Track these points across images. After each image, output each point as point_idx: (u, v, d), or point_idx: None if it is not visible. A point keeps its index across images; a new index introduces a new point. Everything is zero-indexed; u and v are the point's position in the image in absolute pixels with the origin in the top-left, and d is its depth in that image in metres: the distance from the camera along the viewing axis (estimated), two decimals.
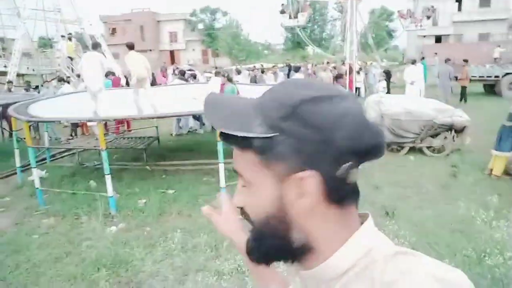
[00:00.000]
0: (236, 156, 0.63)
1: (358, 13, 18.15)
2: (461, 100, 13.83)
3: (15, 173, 6.96)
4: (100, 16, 46.91)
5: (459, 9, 34.92)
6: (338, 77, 7.39)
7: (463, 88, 14.20)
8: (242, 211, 0.66)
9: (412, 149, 7.68)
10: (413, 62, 13.04)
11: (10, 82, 14.05)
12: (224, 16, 48.17)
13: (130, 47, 6.85)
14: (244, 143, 0.59)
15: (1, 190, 6.61)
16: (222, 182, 5.31)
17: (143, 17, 46.63)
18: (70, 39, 19.01)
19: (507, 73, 14.98)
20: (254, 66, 23.94)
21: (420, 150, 7.63)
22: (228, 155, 5.26)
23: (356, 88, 16.66)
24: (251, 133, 0.57)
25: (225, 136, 0.61)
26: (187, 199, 5.70)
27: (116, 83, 13.03)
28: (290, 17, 20.64)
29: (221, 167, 5.27)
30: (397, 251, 0.59)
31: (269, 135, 0.57)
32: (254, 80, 15.36)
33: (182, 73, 13.32)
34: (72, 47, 18.73)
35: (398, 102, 7.71)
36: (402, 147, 7.74)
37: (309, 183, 0.58)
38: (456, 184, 5.94)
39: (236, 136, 0.58)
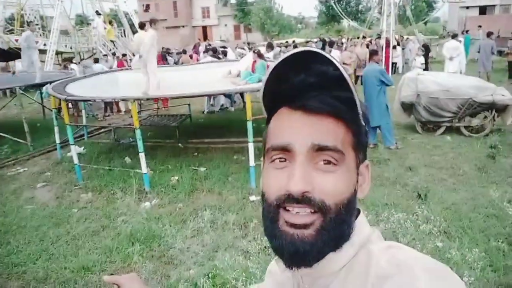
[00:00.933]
0: (332, 129, 0.59)
1: None
2: (510, 77, 12.98)
3: (55, 149, 7.31)
4: None
5: None
6: (373, 53, 7.13)
7: (511, 64, 13.30)
8: (303, 198, 0.56)
9: (449, 129, 7.39)
10: (454, 36, 12.38)
11: (67, 59, 14.39)
12: None
13: (140, 26, 7.02)
14: (354, 119, 0.60)
15: (42, 165, 6.99)
16: (252, 161, 5.34)
17: None
18: (98, 14, 19.18)
19: None
20: (287, 42, 23.54)
21: (458, 130, 7.33)
22: (257, 134, 5.28)
23: (393, 63, 16.10)
24: (361, 111, 0.60)
25: (338, 98, 0.58)
26: (218, 177, 5.80)
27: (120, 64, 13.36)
28: None
29: (251, 146, 5.30)
30: (388, 245, 0.61)
31: (364, 124, 0.62)
32: None
33: (214, 51, 13.29)
34: (112, 32, 18.95)
35: (435, 79, 7.37)
36: (439, 127, 7.47)
37: (369, 170, 0.68)
38: (494, 166, 5.70)
39: (351, 106, 0.59)
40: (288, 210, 0.58)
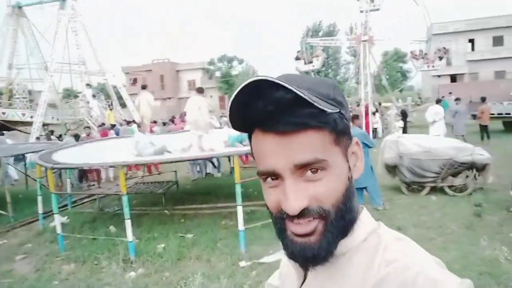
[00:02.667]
0: (306, 143, 0.60)
1: (371, 55, 18.52)
2: (482, 138, 13.57)
3: (37, 220, 7.09)
4: (122, 67, 49.13)
5: (472, 48, 35.31)
6: (354, 118, 7.43)
7: (483, 127, 13.95)
8: (301, 213, 0.59)
9: (434, 189, 7.52)
10: (438, 101, 12.95)
11: (51, 131, 14.49)
12: (240, 63, 49.83)
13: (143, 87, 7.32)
14: (325, 119, 0.61)
15: (23, 236, 6.72)
16: (241, 225, 5.27)
17: (163, 67, 48.61)
18: (88, 85, 19.80)
19: None
20: None
21: (442, 190, 7.46)
22: (245, 198, 5.29)
23: (373, 129, 16.72)
24: (329, 108, 0.60)
25: (300, 114, 0.59)
26: (206, 243, 5.66)
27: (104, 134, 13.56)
28: (305, 63, 21.20)
29: (240, 209, 5.26)
30: (398, 236, 0.65)
31: (337, 110, 0.63)
32: None
33: None
34: (112, 116, 19.39)
35: (416, 141, 7.66)
36: (423, 187, 7.60)
37: (359, 147, 0.69)
38: (481, 224, 5.75)
39: (315, 113, 0.59)
40: (292, 220, 0.61)
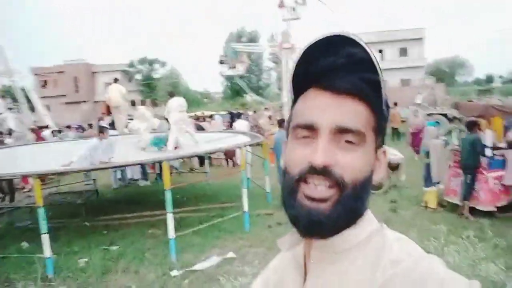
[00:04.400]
0: (355, 111, 0.61)
1: (292, 62, 19.26)
2: (393, 139, 14.92)
3: None
4: (31, 68, 44.97)
5: (382, 58, 38.50)
6: (281, 122, 7.67)
7: (395, 129, 15.41)
8: (324, 170, 0.59)
9: None
10: None
11: None
12: (162, 66, 48.52)
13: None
14: (378, 103, 0.63)
15: None
16: (171, 233, 5.11)
17: (77, 69, 45.51)
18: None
19: (430, 114, 16.53)
20: (195, 114, 24.11)
21: None
22: (173, 205, 5.15)
23: None
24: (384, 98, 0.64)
25: (362, 78, 0.61)
26: (133, 254, 5.39)
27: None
28: (229, 67, 21.36)
29: (170, 217, 5.10)
30: (399, 236, 0.65)
31: (386, 110, 0.66)
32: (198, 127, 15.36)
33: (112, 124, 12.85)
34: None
35: None
36: None
37: (386, 156, 0.70)
38: (397, 218, 6.27)
39: (375, 84, 0.61)
40: (308, 183, 0.60)
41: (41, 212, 4.78)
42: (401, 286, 0.56)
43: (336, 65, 0.61)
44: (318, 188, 0.60)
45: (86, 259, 5.27)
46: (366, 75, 0.61)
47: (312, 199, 0.60)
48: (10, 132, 13.14)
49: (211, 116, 17.69)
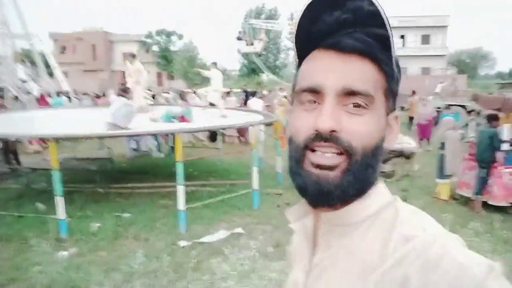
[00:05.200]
0: (362, 71, 0.57)
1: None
2: (410, 128, 14.70)
3: None
4: (49, 33, 45.21)
5: (403, 45, 37.64)
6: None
7: (411, 118, 15.12)
8: (330, 136, 0.56)
9: None
10: None
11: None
12: (179, 39, 48.24)
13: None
14: (388, 62, 0.59)
15: None
16: (181, 205, 5.21)
17: (96, 36, 45.61)
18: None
19: (450, 105, 16.21)
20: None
21: None
22: (185, 178, 5.22)
23: None
24: (394, 60, 0.60)
25: (370, 34, 0.57)
26: (144, 222, 5.52)
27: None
28: (246, 44, 21.15)
29: (181, 189, 5.19)
30: (415, 210, 0.62)
31: (396, 69, 0.62)
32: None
33: (124, 90, 12.98)
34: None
35: None
36: None
37: (398, 122, 0.66)
38: None
39: (383, 41, 0.57)
40: (314, 151, 0.57)
41: (56, 175, 4.90)
42: (413, 266, 0.52)
43: (341, 21, 0.57)
44: (325, 155, 0.57)
45: (98, 224, 5.41)
46: (373, 30, 0.57)
47: (320, 167, 0.57)
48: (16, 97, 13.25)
49: (228, 93, 17.60)
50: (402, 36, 37.42)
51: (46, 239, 4.78)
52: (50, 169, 5.06)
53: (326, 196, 0.57)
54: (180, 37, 47.91)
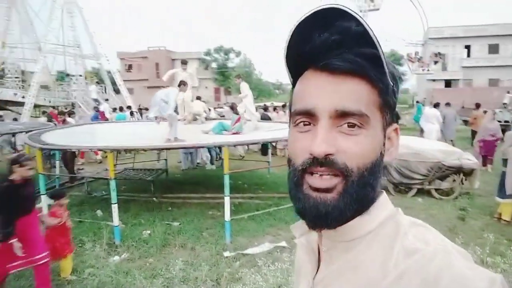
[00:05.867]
0: (355, 91, 0.57)
1: None
2: (472, 144, 13.73)
3: None
4: (117, 53, 48.63)
5: (468, 55, 35.57)
6: None
7: (475, 132, 14.08)
8: (326, 160, 0.56)
9: (421, 191, 7.61)
10: (436, 105, 12.87)
11: (62, 112, 14.00)
12: (237, 56, 49.55)
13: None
14: (381, 78, 0.58)
15: None
16: (227, 216, 5.30)
17: (159, 55, 48.22)
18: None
19: None
20: (265, 104, 24.41)
21: (429, 192, 7.56)
22: (234, 190, 5.31)
23: None
24: (387, 70, 0.58)
25: (361, 55, 0.56)
26: (192, 231, 5.68)
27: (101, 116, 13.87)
28: None
29: (227, 200, 5.28)
30: (415, 221, 0.62)
31: (392, 83, 0.61)
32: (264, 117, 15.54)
33: None
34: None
35: (404, 143, 7.71)
36: (410, 188, 7.68)
37: (398, 134, 0.66)
38: (464, 228, 5.84)
39: (374, 60, 0.56)
40: (312, 174, 0.58)
41: (112, 184, 5.22)
42: (414, 281, 0.52)
43: (330, 41, 0.56)
44: (322, 178, 0.57)
45: (149, 231, 5.66)
46: (363, 50, 0.56)
47: (318, 190, 0.57)
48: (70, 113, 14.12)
49: (284, 106, 17.66)
50: (467, 46, 35.41)
51: (100, 244, 5.08)
52: (107, 178, 5.40)
53: (324, 218, 0.57)
54: (238, 54, 49.21)
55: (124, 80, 24.99)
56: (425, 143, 8.25)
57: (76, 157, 10.74)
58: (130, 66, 48.53)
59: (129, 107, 16.23)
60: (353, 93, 0.57)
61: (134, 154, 11.12)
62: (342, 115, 0.56)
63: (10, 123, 12.70)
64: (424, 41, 20.46)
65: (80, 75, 21.86)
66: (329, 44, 0.56)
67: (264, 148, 11.76)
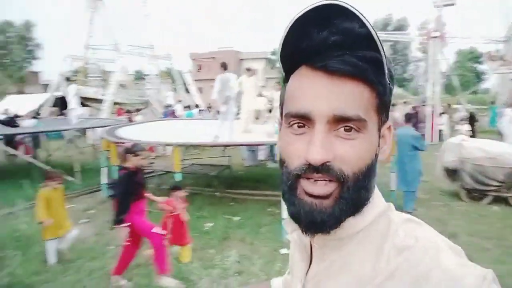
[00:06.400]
0: (353, 94, 0.54)
1: (442, 53, 17.46)
2: None
3: (100, 189, 7.69)
4: (190, 54, 50.89)
5: None
6: (408, 117, 7.04)
7: None
8: (322, 167, 0.54)
9: (497, 199, 7.03)
10: None
11: (128, 111, 15.32)
12: None
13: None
14: (380, 80, 0.56)
15: (88, 203, 7.36)
16: (284, 213, 5.33)
17: (227, 55, 49.47)
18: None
19: None
20: None
21: (506, 200, 6.95)
22: None
23: (439, 131, 15.86)
24: (387, 70, 0.56)
25: (361, 58, 0.53)
26: (251, 227, 5.81)
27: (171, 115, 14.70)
28: None
29: None
30: (408, 218, 0.61)
31: (389, 81, 0.58)
32: None
33: None
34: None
35: (481, 146, 7.16)
36: (485, 195, 7.12)
37: (390, 132, 0.64)
38: None
39: (375, 63, 0.54)
40: (306, 178, 0.56)
41: (177, 177, 5.51)
42: (405, 278, 0.52)
43: (331, 42, 0.53)
44: (318, 183, 0.55)
45: (211, 224, 5.89)
46: (365, 54, 0.53)
47: (313, 196, 0.56)
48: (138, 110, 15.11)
49: None
50: None
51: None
52: (173, 172, 5.72)
53: (320, 225, 0.56)
54: None
55: (195, 80, 26.10)
56: (503, 147, 7.58)
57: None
58: (200, 67, 50.47)
59: (197, 106, 16.91)
60: (351, 96, 0.54)
61: (201, 150, 11.58)
62: (339, 119, 0.54)
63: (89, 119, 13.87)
64: (507, 37, 18.66)
65: (156, 75, 23.16)
66: (328, 44, 0.54)
67: None
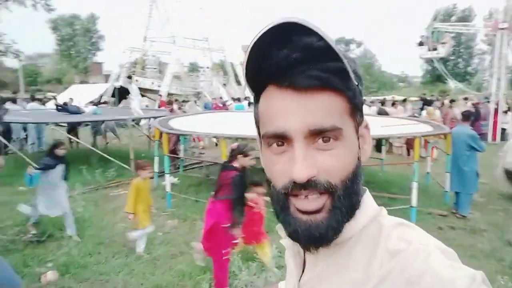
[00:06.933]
0: (325, 106, 0.55)
1: (510, 47, 16.17)
2: None
3: (152, 177, 8.03)
4: (242, 46, 51.28)
5: None
6: (465, 115, 6.55)
7: None
8: (308, 183, 0.54)
9: None
10: None
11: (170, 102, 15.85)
12: (357, 47, 47.94)
13: None
14: (348, 85, 0.56)
15: None
16: None
17: None
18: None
19: None
20: (385, 98, 23.17)
21: None
22: None
23: (502, 129, 14.77)
24: (352, 74, 0.56)
25: (325, 69, 0.54)
26: None
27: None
28: (428, 49, 19.52)
29: None
30: (400, 222, 0.61)
31: (357, 82, 0.58)
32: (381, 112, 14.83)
33: None
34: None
35: None
36: None
37: (368, 131, 0.65)
38: None
39: (340, 71, 0.54)
40: (296, 195, 0.56)
41: None
42: (397, 282, 0.52)
43: (292, 59, 0.53)
44: (309, 199, 0.56)
45: None
46: (328, 64, 0.53)
47: (307, 212, 0.56)
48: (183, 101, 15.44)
49: (404, 100, 16.55)
50: None
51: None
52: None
53: (319, 240, 0.56)
54: (359, 44, 47.61)
55: None
56: None
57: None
58: None
59: (246, 98, 17.07)
60: (323, 108, 0.55)
61: (248, 142, 11.68)
62: (316, 133, 0.55)
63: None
64: None
65: (207, 67, 23.68)
66: (291, 62, 0.54)
67: (378, 144, 11.26)
